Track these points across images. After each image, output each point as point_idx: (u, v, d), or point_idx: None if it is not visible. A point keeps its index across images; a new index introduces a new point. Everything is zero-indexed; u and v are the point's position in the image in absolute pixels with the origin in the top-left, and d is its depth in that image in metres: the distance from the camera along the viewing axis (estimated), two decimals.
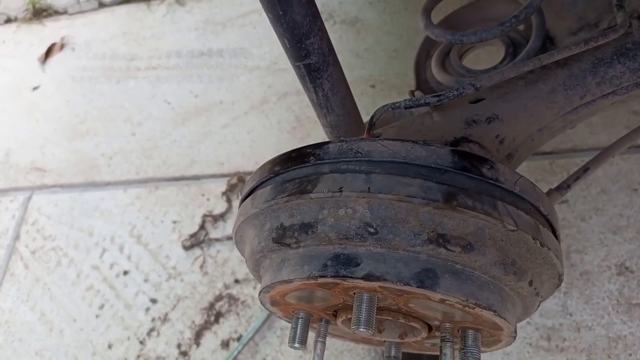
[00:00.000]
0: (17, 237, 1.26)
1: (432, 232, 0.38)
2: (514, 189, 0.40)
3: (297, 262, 0.43)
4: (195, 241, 1.14)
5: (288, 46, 0.53)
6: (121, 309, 1.10)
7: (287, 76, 1.35)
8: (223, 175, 1.22)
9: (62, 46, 1.58)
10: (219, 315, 1.04)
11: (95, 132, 1.38)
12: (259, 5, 0.52)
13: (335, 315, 0.49)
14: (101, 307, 1.11)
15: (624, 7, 0.52)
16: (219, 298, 1.06)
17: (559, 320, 0.90)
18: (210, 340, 1.02)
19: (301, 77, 0.56)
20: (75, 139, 1.39)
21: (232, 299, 1.06)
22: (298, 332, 0.48)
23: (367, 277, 0.38)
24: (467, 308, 0.39)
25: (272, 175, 0.45)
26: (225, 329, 1.03)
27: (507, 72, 0.48)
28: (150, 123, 1.36)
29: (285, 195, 0.42)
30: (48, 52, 1.57)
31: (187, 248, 1.14)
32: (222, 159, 1.25)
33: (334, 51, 0.56)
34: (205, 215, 1.17)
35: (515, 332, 0.44)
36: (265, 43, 1.39)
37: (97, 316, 1.10)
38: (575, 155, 1.05)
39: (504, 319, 0.40)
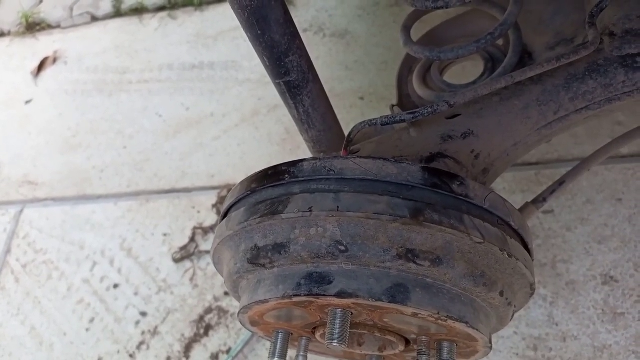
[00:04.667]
0: (8, 251, 1.26)
1: (401, 247, 0.39)
2: (483, 205, 0.41)
3: (272, 282, 0.44)
4: (186, 254, 1.15)
5: (268, 64, 0.54)
6: (111, 323, 1.10)
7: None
8: (214, 188, 1.23)
9: (54, 60, 1.59)
10: (208, 328, 1.05)
11: (88, 145, 1.39)
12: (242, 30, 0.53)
13: (313, 332, 0.50)
14: (91, 320, 1.11)
15: (595, 25, 0.54)
16: (208, 311, 1.07)
17: (546, 330, 0.91)
18: (199, 353, 1.02)
19: (282, 94, 0.57)
20: (68, 152, 1.39)
21: (222, 312, 1.06)
22: (278, 346, 0.48)
23: (340, 295, 0.39)
24: (439, 321, 0.40)
25: (248, 193, 0.45)
26: (214, 341, 1.03)
27: (480, 89, 0.49)
28: (141, 136, 1.37)
29: (258, 216, 0.43)
30: (41, 66, 1.58)
31: (177, 261, 1.14)
32: (213, 171, 1.25)
33: (314, 68, 0.57)
34: (195, 228, 1.17)
35: (491, 342, 0.44)
36: (256, 56, 1.39)
37: (87, 330, 1.10)
38: (561, 166, 1.06)
39: (477, 330, 0.41)
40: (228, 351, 1.00)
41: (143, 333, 1.07)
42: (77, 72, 1.55)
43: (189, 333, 1.05)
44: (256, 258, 0.43)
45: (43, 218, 1.29)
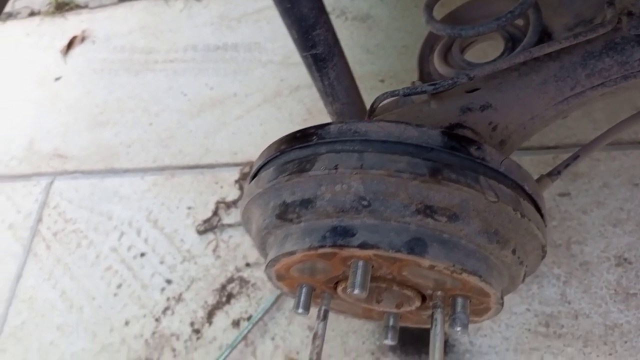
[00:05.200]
0: (39, 220, 1.32)
1: (420, 204, 0.42)
2: (499, 168, 0.44)
3: (298, 236, 0.47)
4: (209, 226, 1.19)
5: (296, 37, 0.57)
6: (138, 289, 1.15)
7: (300, 70, 1.39)
8: (236, 165, 1.27)
9: (83, 39, 1.64)
10: (230, 297, 1.09)
11: (115, 121, 1.44)
12: (273, 2, 0.56)
13: (335, 287, 0.53)
14: (119, 286, 1.16)
15: (614, 4, 0.55)
16: (230, 280, 1.11)
17: (558, 308, 0.93)
18: (222, 319, 1.07)
19: (308, 67, 0.60)
20: (95, 128, 1.45)
21: (243, 282, 1.10)
22: (302, 299, 0.52)
23: (362, 246, 0.43)
24: (454, 274, 0.43)
25: (277, 154, 0.49)
26: (236, 309, 1.07)
27: (499, 64, 0.52)
28: (167, 114, 1.41)
29: (287, 174, 0.46)
30: (70, 45, 1.63)
31: (200, 233, 1.19)
32: (236, 149, 1.29)
33: (339, 43, 0.60)
34: (218, 202, 1.22)
35: (502, 299, 0.47)
36: (278, 38, 1.43)
37: (115, 295, 1.15)
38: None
39: (490, 285, 0.44)
40: (249, 318, 1.05)
41: (168, 299, 1.12)
42: (105, 51, 1.59)
43: (211, 300, 1.09)
44: (284, 213, 0.47)
45: (72, 190, 1.35)
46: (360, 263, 0.44)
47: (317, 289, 0.55)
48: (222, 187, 1.24)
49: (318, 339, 0.49)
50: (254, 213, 0.52)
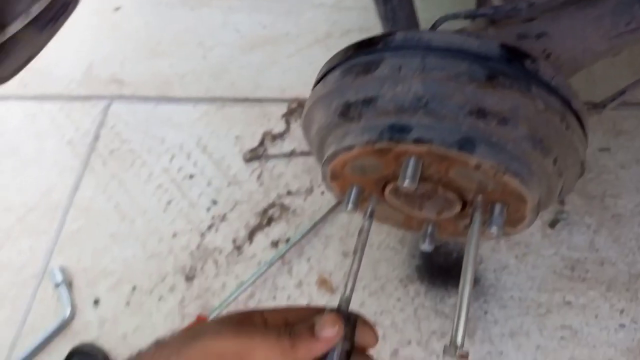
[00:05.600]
0: (97, 138, 1.41)
1: (474, 106, 0.46)
2: (550, 82, 0.48)
3: (357, 133, 0.52)
4: (255, 155, 1.26)
5: None
6: (186, 207, 1.23)
7: (352, 14, 1.42)
8: (284, 100, 1.32)
9: None
10: (270, 220, 1.16)
11: (170, 53, 1.50)
12: None
13: (383, 190, 0.59)
14: (169, 203, 1.25)
15: None
16: (272, 205, 1.18)
17: (585, 254, 0.97)
18: (261, 239, 1.14)
19: None
20: (152, 57, 1.51)
21: (284, 208, 1.17)
22: (352, 197, 0.58)
23: (417, 141, 0.47)
24: (497, 175, 0.48)
25: (344, 59, 0.54)
26: (275, 231, 1.15)
27: None
28: (220, 48, 1.46)
29: (352, 75, 0.51)
30: None
31: (247, 160, 1.26)
32: (285, 86, 1.34)
33: None
34: (265, 134, 1.28)
35: (538, 208, 0.52)
36: None
37: (164, 210, 1.24)
38: (624, 108, 1.09)
39: (529, 189, 0.48)
40: (287, 240, 1.12)
41: (213, 218, 1.20)
42: None
43: (253, 222, 1.17)
44: (346, 112, 0.52)
45: (128, 113, 1.43)
46: (413, 158, 0.49)
47: (365, 191, 0.60)
48: (269, 120, 1.30)
49: (364, 233, 0.55)
50: (317, 114, 0.57)
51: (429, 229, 0.63)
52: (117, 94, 1.48)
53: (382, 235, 1.09)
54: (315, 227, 1.12)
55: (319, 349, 0.46)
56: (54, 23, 0.72)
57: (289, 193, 1.19)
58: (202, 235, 1.18)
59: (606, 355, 0.89)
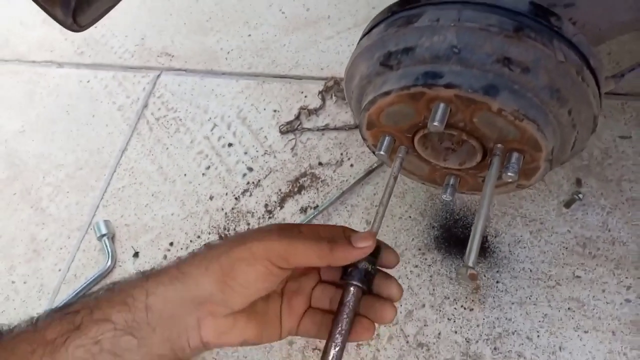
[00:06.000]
0: (145, 106, 1.52)
1: (501, 55, 0.53)
2: (571, 39, 0.54)
3: (395, 80, 0.59)
4: (290, 128, 1.34)
5: None
6: (223, 172, 1.32)
7: (390, 2, 1.49)
8: (322, 79, 1.40)
9: None
10: (301, 188, 1.24)
11: (218, 29, 1.60)
12: None
13: (413, 138, 0.66)
14: (207, 168, 1.34)
15: None
16: (303, 175, 1.26)
17: (597, 233, 1.02)
18: (291, 205, 1.22)
19: None
20: (201, 33, 1.61)
21: (315, 177, 1.25)
22: (385, 143, 0.65)
23: (447, 85, 0.54)
24: (517, 120, 0.54)
25: (388, 15, 0.61)
26: (305, 199, 1.23)
27: None
28: (265, 28, 1.56)
29: (395, 27, 0.58)
30: None
31: (282, 132, 1.34)
32: (323, 65, 1.42)
33: None
34: (301, 108, 1.36)
35: (552, 157, 0.58)
36: None
37: (203, 174, 1.34)
38: None
39: (544, 135, 0.55)
40: (315, 207, 1.20)
41: (248, 183, 1.29)
42: None
43: (285, 189, 1.25)
44: (387, 60, 0.59)
45: (176, 84, 1.53)
46: (442, 103, 0.56)
47: (396, 142, 0.67)
48: (306, 96, 1.39)
49: (392, 178, 0.62)
50: (360, 65, 0.65)
51: (451, 181, 0.69)
52: (167, 66, 1.58)
53: (405, 207, 1.16)
54: (342, 196, 1.20)
55: (354, 255, 0.54)
56: None
57: (320, 164, 1.27)
58: (237, 199, 1.27)
59: (610, 327, 0.94)
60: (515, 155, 0.59)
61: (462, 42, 0.54)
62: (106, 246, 1.29)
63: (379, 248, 0.58)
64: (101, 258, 1.30)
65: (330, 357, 0.54)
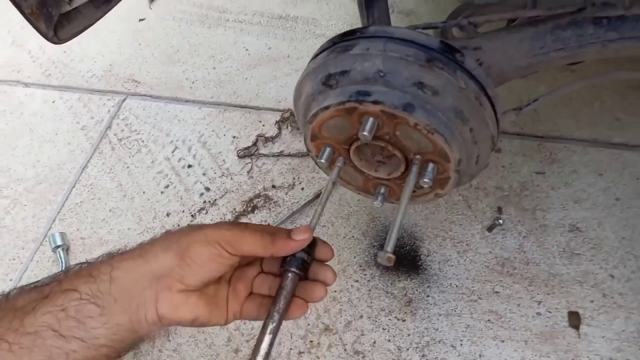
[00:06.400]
0: (109, 127, 1.59)
1: (417, 81, 0.66)
2: (472, 71, 0.68)
3: (333, 97, 0.71)
4: (247, 153, 1.44)
5: None
6: (181, 191, 1.40)
7: None
8: (279, 110, 1.52)
9: None
10: (254, 208, 1.33)
11: (185, 61, 1.71)
12: None
13: (349, 149, 0.77)
14: (166, 186, 1.42)
15: None
16: (257, 196, 1.36)
17: (514, 254, 1.15)
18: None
19: (359, 5, 0.85)
20: (168, 64, 1.72)
21: (268, 199, 1.35)
22: (325, 153, 0.75)
23: (375, 102, 0.66)
24: (429, 134, 0.66)
25: (331, 45, 0.73)
26: (258, 217, 1.31)
27: (491, 16, 0.76)
28: (229, 62, 1.68)
29: (335, 53, 0.70)
30: None
31: (240, 157, 1.44)
32: (281, 98, 1.55)
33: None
34: (258, 136, 1.47)
35: (459, 167, 0.70)
36: (333, 17, 1.70)
37: (162, 192, 1.41)
38: (560, 142, 1.31)
39: (451, 148, 0.67)
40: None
41: (204, 202, 1.36)
42: (185, 5, 1.88)
43: (239, 208, 1.34)
44: (327, 80, 0.71)
45: (140, 108, 1.62)
46: (371, 117, 0.68)
47: (335, 153, 0.78)
48: (264, 125, 1.50)
49: (330, 183, 0.73)
50: (306, 85, 0.76)
51: (382, 190, 0.81)
52: (133, 91, 1.67)
53: (349, 228, 1.26)
54: (292, 216, 1.29)
55: (292, 246, 0.62)
56: (108, 4, 0.92)
57: (273, 187, 1.37)
58: (193, 216, 1.34)
59: (523, 337, 1.05)
60: (430, 165, 0.71)
61: (387, 68, 0.66)
62: (60, 258, 1.32)
63: (315, 242, 0.67)
64: (54, 269, 1.33)
65: (268, 331, 0.61)
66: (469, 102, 0.68)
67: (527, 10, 0.77)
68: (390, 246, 0.64)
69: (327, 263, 0.68)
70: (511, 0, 0.89)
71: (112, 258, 0.60)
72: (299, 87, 0.78)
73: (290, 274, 0.63)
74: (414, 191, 0.78)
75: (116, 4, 0.94)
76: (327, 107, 0.71)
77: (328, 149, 0.77)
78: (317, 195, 1.32)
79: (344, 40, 0.72)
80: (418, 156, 0.72)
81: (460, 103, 0.67)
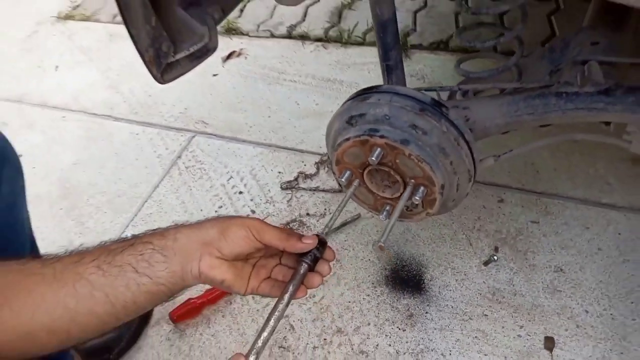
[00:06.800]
0: (179, 157, 1.92)
1: (412, 123, 0.92)
2: (454, 121, 0.94)
3: (353, 132, 0.98)
4: (289, 186, 1.72)
5: (381, 53, 1.11)
6: (231, 212, 1.69)
7: None
8: (319, 154, 1.81)
9: (239, 54, 2.32)
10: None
11: (245, 109, 2.06)
12: (376, 59, 1.10)
13: (363, 173, 1.03)
14: (220, 207, 1.71)
15: (555, 73, 1.05)
16: (293, 220, 1.62)
17: (504, 286, 1.35)
18: None
19: (383, 71, 1.14)
20: (232, 111, 2.07)
21: (302, 223, 1.61)
22: (345, 176, 1.02)
23: (381, 137, 0.93)
24: (419, 163, 0.92)
25: (354, 96, 1.02)
26: None
27: (477, 85, 1.03)
28: (282, 113, 2.01)
29: (356, 102, 0.99)
30: (229, 56, 2.31)
31: (283, 189, 1.72)
32: (321, 145, 1.84)
33: (402, 62, 1.14)
34: (300, 172, 1.75)
35: (442, 189, 0.95)
36: (373, 82, 2.00)
37: (216, 211, 1.70)
38: (556, 198, 1.51)
39: (435, 174, 0.92)
40: None
41: None
42: (252, 65, 2.25)
43: None
44: (350, 120, 0.98)
45: (206, 144, 1.95)
46: (378, 148, 0.94)
47: (353, 175, 1.05)
48: (305, 164, 1.79)
49: (346, 197, 0.99)
50: (335, 123, 1.04)
51: (387, 208, 1.06)
52: (201, 130, 2.02)
53: (366, 252, 1.50)
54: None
55: (300, 247, 0.81)
56: (198, 59, 1.25)
57: (307, 214, 1.63)
58: None
59: (504, 353, 1.24)
60: (421, 188, 0.96)
61: (391, 113, 0.94)
62: None
63: (325, 244, 0.90)
64: None
65: (285, 299, 0.82)
66: (450, 142, 0.93)
67: (507, 83, 1.03)
68: (382, 239, 0.89)
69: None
70: (502, 74, 1.16)
71: (178, 226, 0.81)
72: (330, 125, 1.07)
73: (304, 264, 0.82)
74: (410, 210, 1.03)
75: (204, 60, 1.27)
76: (348, 139, 0.98)
77: (348, 172, 1.04)
78: (344, 224, 1.57)
79: (364, 93, 1.01)
80: (412, 180, 0.97)
81: (443, 142, 0.93)
